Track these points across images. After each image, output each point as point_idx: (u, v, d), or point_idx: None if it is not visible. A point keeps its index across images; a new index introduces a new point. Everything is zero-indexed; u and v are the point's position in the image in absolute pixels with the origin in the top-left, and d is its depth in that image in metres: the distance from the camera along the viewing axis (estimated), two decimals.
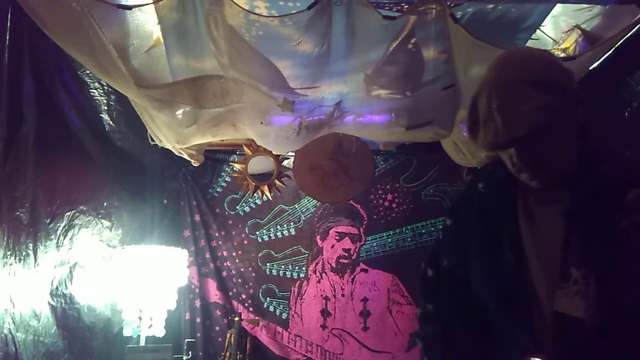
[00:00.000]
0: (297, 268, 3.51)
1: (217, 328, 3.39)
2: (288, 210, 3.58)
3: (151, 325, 2.71)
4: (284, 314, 3.46)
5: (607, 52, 2.04)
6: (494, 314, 1.24)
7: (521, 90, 1.08)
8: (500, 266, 1.19)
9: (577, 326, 1.05)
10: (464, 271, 1.29)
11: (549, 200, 1.17)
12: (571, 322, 1.06)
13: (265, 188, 3.31)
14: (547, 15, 2.21)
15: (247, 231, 3.55)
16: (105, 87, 2.57)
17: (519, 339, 1.16)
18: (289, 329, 3.44)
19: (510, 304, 1.18)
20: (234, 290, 3.47)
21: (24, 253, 2.18)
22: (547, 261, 1.13)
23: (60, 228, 2.41)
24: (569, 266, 1.08)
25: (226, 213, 3.56)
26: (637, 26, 1.92)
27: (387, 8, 2.06)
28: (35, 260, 2.23)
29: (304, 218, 3.57)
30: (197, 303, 3.38)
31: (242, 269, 3.49)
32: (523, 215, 1.20)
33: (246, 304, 3.45)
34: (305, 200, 3.56)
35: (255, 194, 3.37)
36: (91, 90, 2.56)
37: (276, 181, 3.31)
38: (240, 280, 3.47)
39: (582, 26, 2.21)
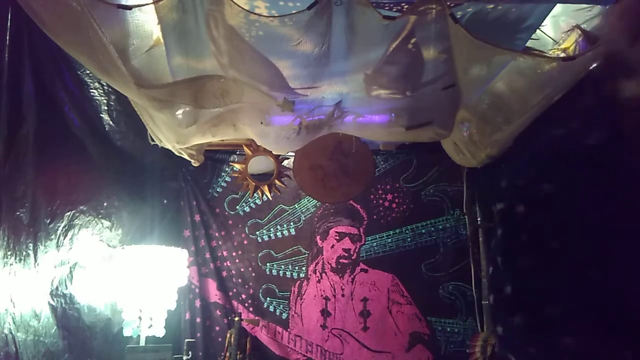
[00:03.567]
0: (297, 268, 3.51)
1: (217, 328, 3.40)
2: (288, 210, 3.58)
3: (151, 325, 2.71)
4: (284, 314, 3.46)
5: None
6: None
7: None
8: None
9: None
10: None
11: None
12: None
13: (265, 188, 3.31)
14: (547, 15, 2.20)
15: (247, 231, 3.55)
16: (105, 87, 2.57)
17: None
18: (289, 329, 3.43)
19: None
20: (234, 290, 3.47)
21: (24, 253, 2.18)
22: None
23: (60, 228, 2.41)
24: None
25: (226, 213, 3.56)
26: None
27: (387, 8, 2.06)
28: (35, 260, 2.23)
29: (304, 218, 3.57)
30: (197, 303, 3.38)
31: (242, 269, 3.49)
32: None
33: (246, 304, 3.45)
34: (305, 200, 3.56)
35: (255, 194, 3.37)
36: (91, 90, 2.57)
37: (276, 181, 3.31)
38: (240, 280, 3.48)
39: (582, 26, 2.21)
